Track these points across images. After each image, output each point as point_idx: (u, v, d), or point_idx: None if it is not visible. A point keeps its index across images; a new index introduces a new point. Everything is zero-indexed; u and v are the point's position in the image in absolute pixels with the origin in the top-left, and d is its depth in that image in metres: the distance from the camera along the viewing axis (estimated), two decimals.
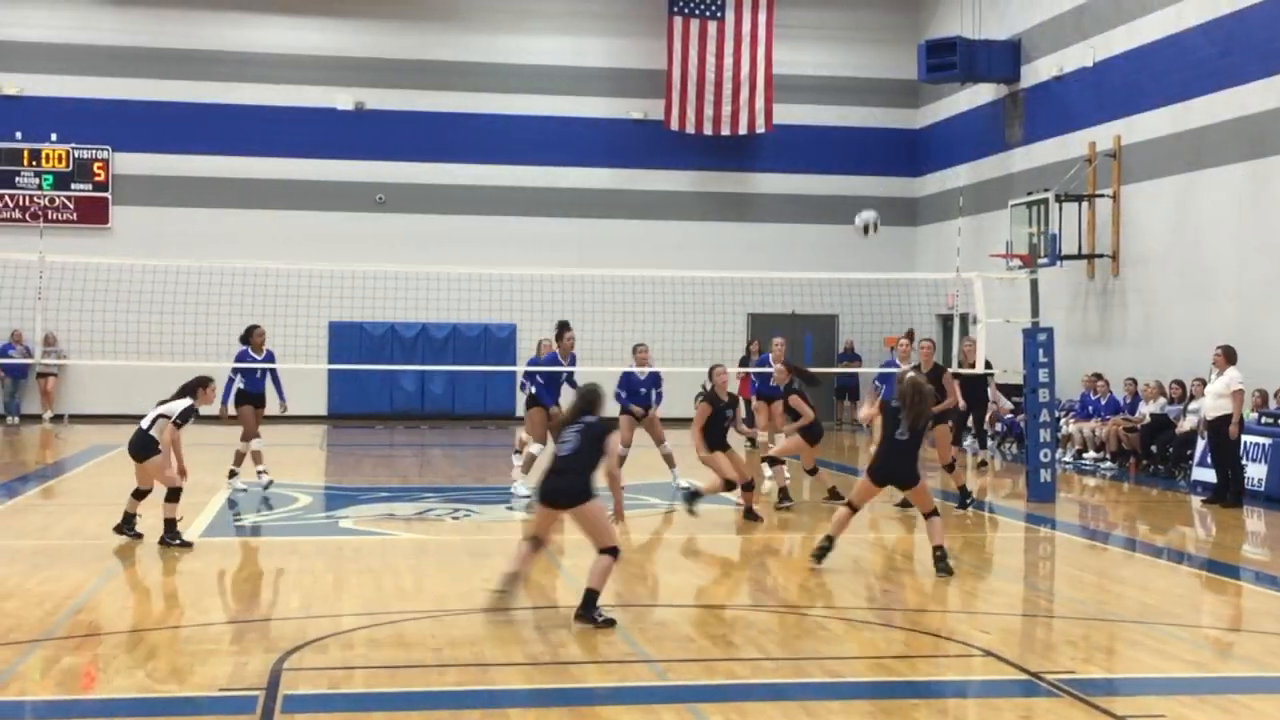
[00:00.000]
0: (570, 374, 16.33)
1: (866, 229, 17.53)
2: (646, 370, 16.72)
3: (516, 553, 9.87)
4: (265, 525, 14.30)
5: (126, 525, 12.65)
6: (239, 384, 16.38)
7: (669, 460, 16.65)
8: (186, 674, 8.04)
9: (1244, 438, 16.41)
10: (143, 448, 12.55)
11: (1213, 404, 16.37)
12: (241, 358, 16.57)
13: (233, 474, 16.34)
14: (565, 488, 9.50)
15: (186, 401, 12.68)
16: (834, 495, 15.44)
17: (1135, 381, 20.84)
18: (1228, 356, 16.33)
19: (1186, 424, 18.91)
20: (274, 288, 22.17)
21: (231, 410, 16.34)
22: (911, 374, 12.18)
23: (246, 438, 16.33)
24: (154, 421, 12.57)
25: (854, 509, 11.66)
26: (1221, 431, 16.16)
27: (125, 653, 8.54)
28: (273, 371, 16.61)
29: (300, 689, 7.77)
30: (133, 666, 8.20)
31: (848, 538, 12.34)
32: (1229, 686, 8.04)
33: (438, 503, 16.09)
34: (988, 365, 21.09)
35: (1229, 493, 16.17)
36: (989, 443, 23.66)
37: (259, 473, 16.34)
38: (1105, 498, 18.05)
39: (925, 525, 11.60)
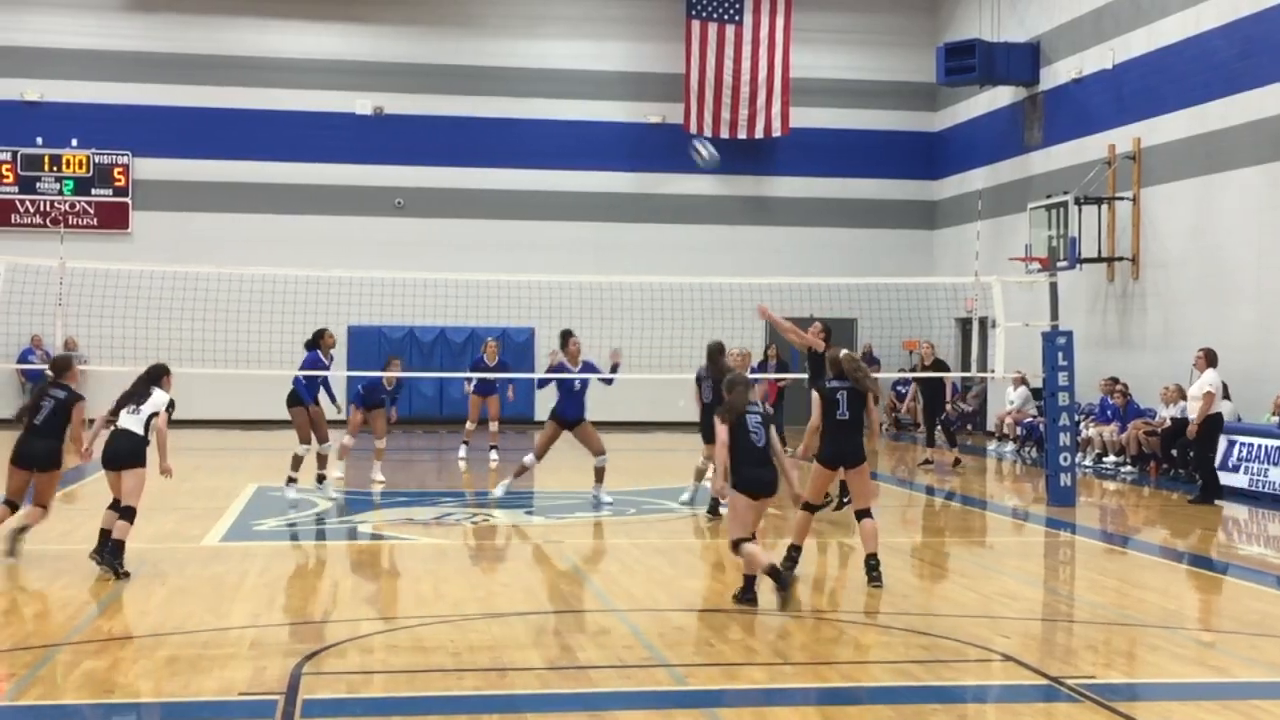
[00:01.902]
0: (584, 382, 16.24)
1: (701, 156, 18.01)
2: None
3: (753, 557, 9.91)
4: (284, 530, 14.32)
5: (114, 554, 11.16)
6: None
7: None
8: (206, 678, 8.05)
9: (1266, 442, 16.42)
10: (134, 454, 11.37)
11: (1192, 405, 16.78)
12: (313, 362, 16.54)
13: (292, 481, 16.08)
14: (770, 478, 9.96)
15: (165, 394, 11.70)
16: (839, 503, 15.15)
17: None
18: (1208, 359, 16.94)
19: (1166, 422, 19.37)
20: (293, 292, 22.23)
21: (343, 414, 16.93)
22: (845, 350, 12.03)
23: (308, 440, 16.17)
24: (147, 422, 11.47)
25: (812, 508, 11.26)
26: (1201, 431, 16.77)
27: (145, 657, 8.56)
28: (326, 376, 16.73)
29: (319, 694, 7.79)
30: (153, 671, 8.23)
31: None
32: (1252, 692, 8.00)
33: (456, 507, 16.10)
34: (944, 366, 21.23)
35: (1203, 491, 16.79)
36: (999, 444, 23.63)
37: (320, 476, 16.39)
38: (1125, 502, 17.98)
39: (858, 528, 11.13)
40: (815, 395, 11.38)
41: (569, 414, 15.97)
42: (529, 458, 15.91)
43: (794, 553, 11.20)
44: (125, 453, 11.38)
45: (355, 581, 11.38)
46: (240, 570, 11.81)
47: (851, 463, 11.12)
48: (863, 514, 11.07)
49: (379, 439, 18.08)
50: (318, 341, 16.82)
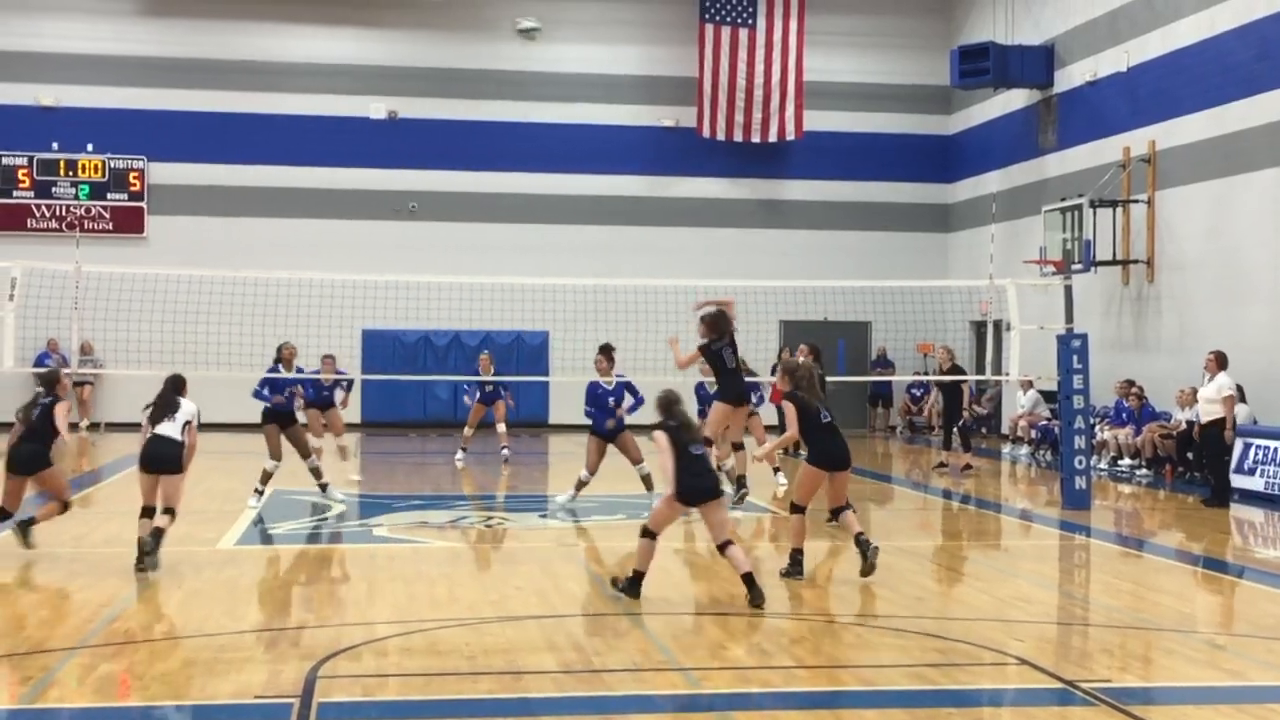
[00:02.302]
0: (619, 396, 16.24)
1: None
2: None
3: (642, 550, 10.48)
4: (299, 533, 14.34)
5: (155, 539, 11.60)
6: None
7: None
8: (222, 681, 8.07)
9: None
10: (176, 459, 11.76)
11: (1205, 408, 16.83)
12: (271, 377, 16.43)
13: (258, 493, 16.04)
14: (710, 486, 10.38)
15: (191, 404, 12.04)
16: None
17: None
18: (1219, 362, 16.89)
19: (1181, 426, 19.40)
20: (308, 296, 22.29)
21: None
22: (805, 359, 12.80)
23: (278, 456, 16.03)
24: (183, 428, 11.84)
25: (803, 510, 11.61)
26: (1211, 435, 16.77)
27: (161, 660, 8.59)
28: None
29: (334, 697, 7.80)
30: (168, 674, 8.25)
31: (880, 544, 12.28)
32: (1268, 696, 7.97)
33: (471, 511, 16.11)
34: (961, 370, 21.17)
35: (1215, 493, 16.75)
36: (1013, 447, 23.61)
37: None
38: (1141, 505, 17.94)
39: (841, 520, 11.71)
40: (790, 405, 11.60)
41: (604, 429, 16.03)
42: (584, 474, 15.94)
43: (797, 555, 11.52)
44: (171, 458, 11.74)
45: (370, 585, 11.39)
46: (256, 573, 11.84)
47: (842, 464, 11.58)
48: (843, 509, 11.64)
49: (338, 435, 18.21)
50: (278, 357, 16.44)
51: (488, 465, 20.84)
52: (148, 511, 11.82)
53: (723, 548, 10.37)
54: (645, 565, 10.47)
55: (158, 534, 11.65)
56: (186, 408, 12.00)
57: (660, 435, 10.35)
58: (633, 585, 10.46)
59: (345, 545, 13.70)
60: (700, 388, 17.62)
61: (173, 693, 7.89)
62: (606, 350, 16.63)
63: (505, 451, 20.70)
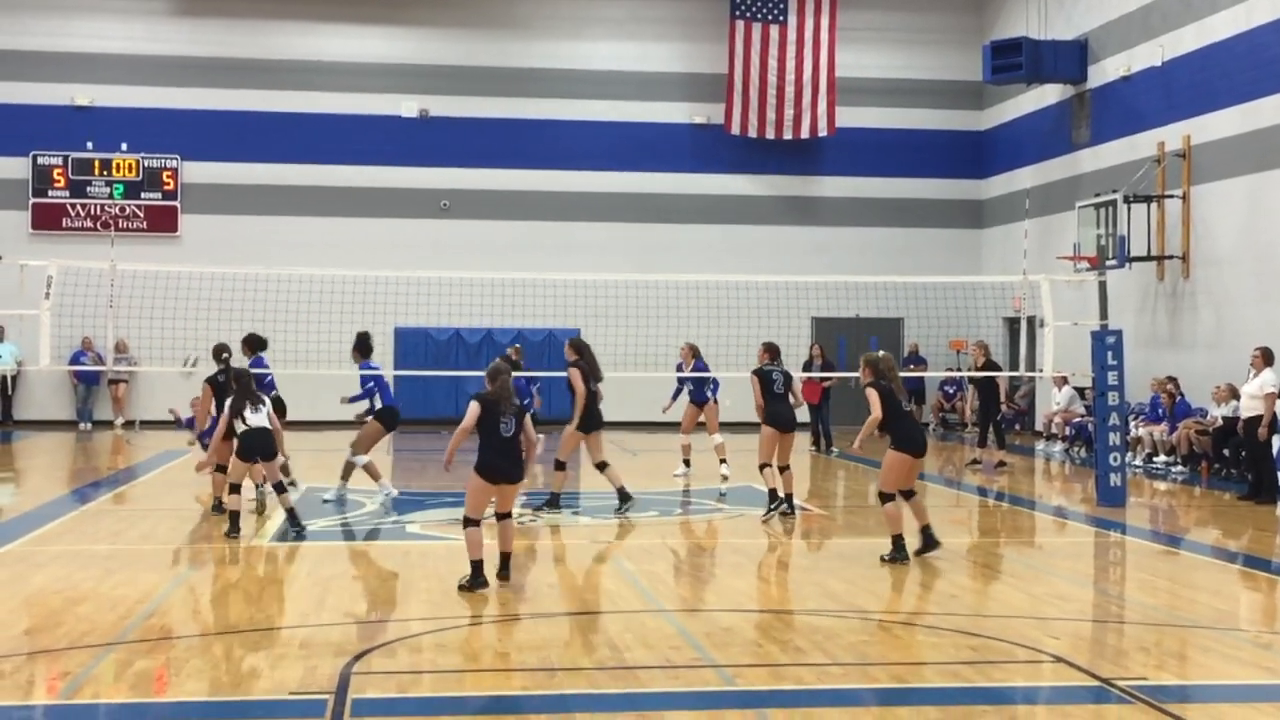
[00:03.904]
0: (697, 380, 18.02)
1: None
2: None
3: None
4: (333, 530, 14.40)
5: (234, 524, 13.37)
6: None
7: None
8: (257, 677, 8.11)
9: None
10: (271, 447, 13.62)
11: (1247, 404, 16.80)
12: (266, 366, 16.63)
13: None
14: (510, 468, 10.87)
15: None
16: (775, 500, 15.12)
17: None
18: (1265, 358, 16.78)
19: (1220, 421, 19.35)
20: (340, 294, 22.38)
21: None
22: (884, 353, 13.22)
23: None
24: (268, 415, 13.62)
25: (911, 494, 12.44)
26: (1253, 431, 16.62)
27: (197, 656, 8.63)
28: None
29: (369, 693, 7.83)
30: (204, 670, 8.30)
31: (914, 542, 12.26)
32: None
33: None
34: (996, 366, 20.97)
35: (1262, 490, 16.56)
36: (1047, 444, 23.50)
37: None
38: (1176, 502, 17.82)
39: (910, 506, 12.37)
40: (874, 393, 12.31)
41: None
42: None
43: (928, 531, 12.29)
44: (271, 447, 13.60)
45: (404, 581, 11.43)
46: (290, 570, 11.89)
47: (924, 450, 12.45)
48: (910, 494, 12.49)
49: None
50: (264, 345, 16.51)
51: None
52: (236, 488, 13.58)
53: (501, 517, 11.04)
54: (477, 554, 10.77)
55: (292, 515, 13.56)
56: (264, 399, 13.77)
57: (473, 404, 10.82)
58: (474, 578, 10.73)
59: (379, 542, 13.74)
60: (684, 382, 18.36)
61: (208, 689, 7.93)
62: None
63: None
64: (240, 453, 13.54)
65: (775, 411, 14.83)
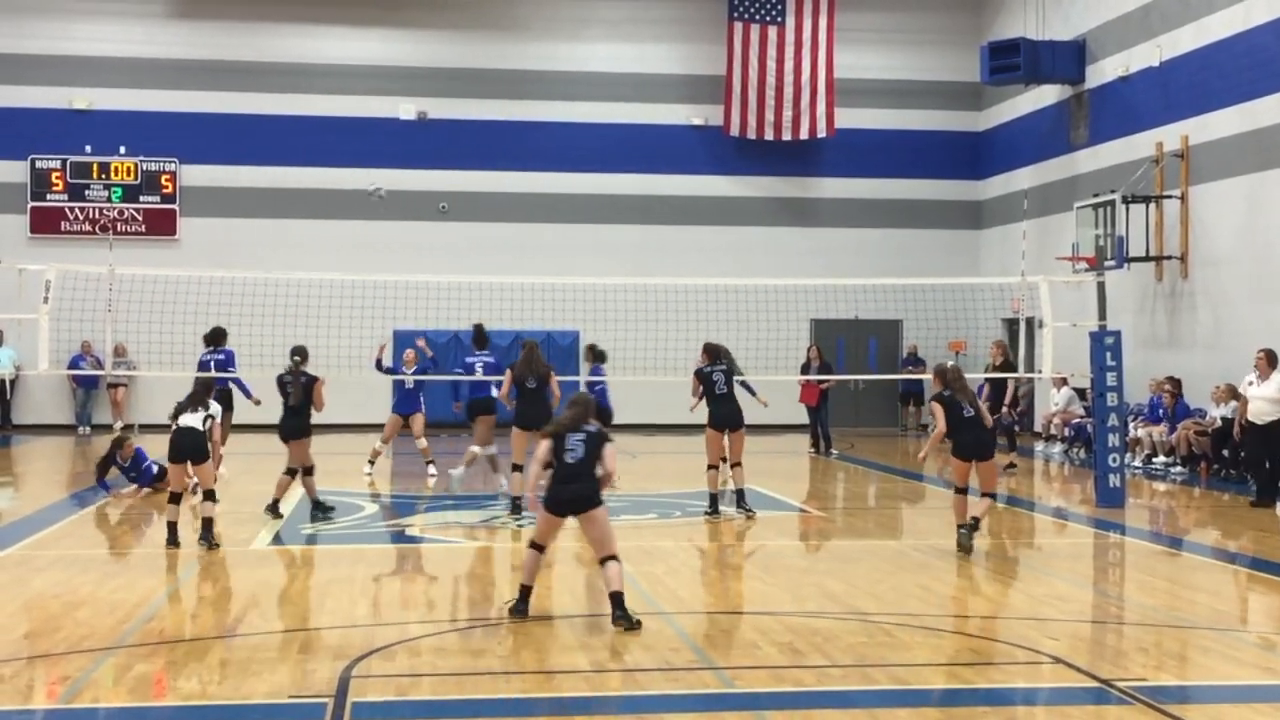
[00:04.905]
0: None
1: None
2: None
3: (527, 562, 9.94)
4: (332, 533, 14.39)
5: (174, 535, 12.76)
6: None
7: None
8: (256, 681, 8.10)
9: None
10: (200, 449, 12.89)
11: (1267, 409, 16.33)
12: (231, 359, 17.58)
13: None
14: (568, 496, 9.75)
15: (216, 405, 13.52)
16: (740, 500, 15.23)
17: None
18: (1270, 360, 16.38)
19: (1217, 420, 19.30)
20: (339, 297, 22.39)
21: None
22: (953, 363, 13.68)
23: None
24: (205, 420, 13.01)
25: (963, 490, 12.86)
26: (1271, 435, 16.38)
27: (196, 660, 8.63)
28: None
29: (368, 696, 7.82)
30: (203, 674, 8.29)
31: (913, 543, 12.27)
32: None
33: (502, 511, 16.12)
34: (1012, 368, 20.90)
35: (1274, 490, 16.38)
36: (1046, 445, 23.50)
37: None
38: (1175, 502, 17.82)
39: (980, 502, 12.73)
40: (937, 405, 12.74)
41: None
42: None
43: (975, 522, 12.66)
44: (193, 448, 12.93)
45: (402, 584, 11.42)
46: (289, 574, 11.88)
47: (984, 454, 12.83)
48: (988, 495, 12.90)
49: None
50: (223, 339, 17.79)
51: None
52: (175, 497, 12.93)
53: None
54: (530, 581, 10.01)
55: (207, 524, 12.80)
56: (212, 407, 13.25)
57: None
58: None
59: (377, 545, 13.74)
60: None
61: (207, 693, 7.92)
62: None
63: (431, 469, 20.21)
64: (170, 454, 13.05)
65: (716, 412, 15.01)
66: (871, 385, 28.97)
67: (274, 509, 14.71)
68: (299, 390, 14.76)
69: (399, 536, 14.24)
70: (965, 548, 12.47)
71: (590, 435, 9.79)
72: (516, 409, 15.05)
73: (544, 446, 9.84)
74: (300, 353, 15.16)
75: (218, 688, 8.01)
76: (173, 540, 12.71)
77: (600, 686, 8.04)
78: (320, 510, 14.83)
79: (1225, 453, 19.27)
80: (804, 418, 24.00)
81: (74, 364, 25.95)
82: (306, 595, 10.96)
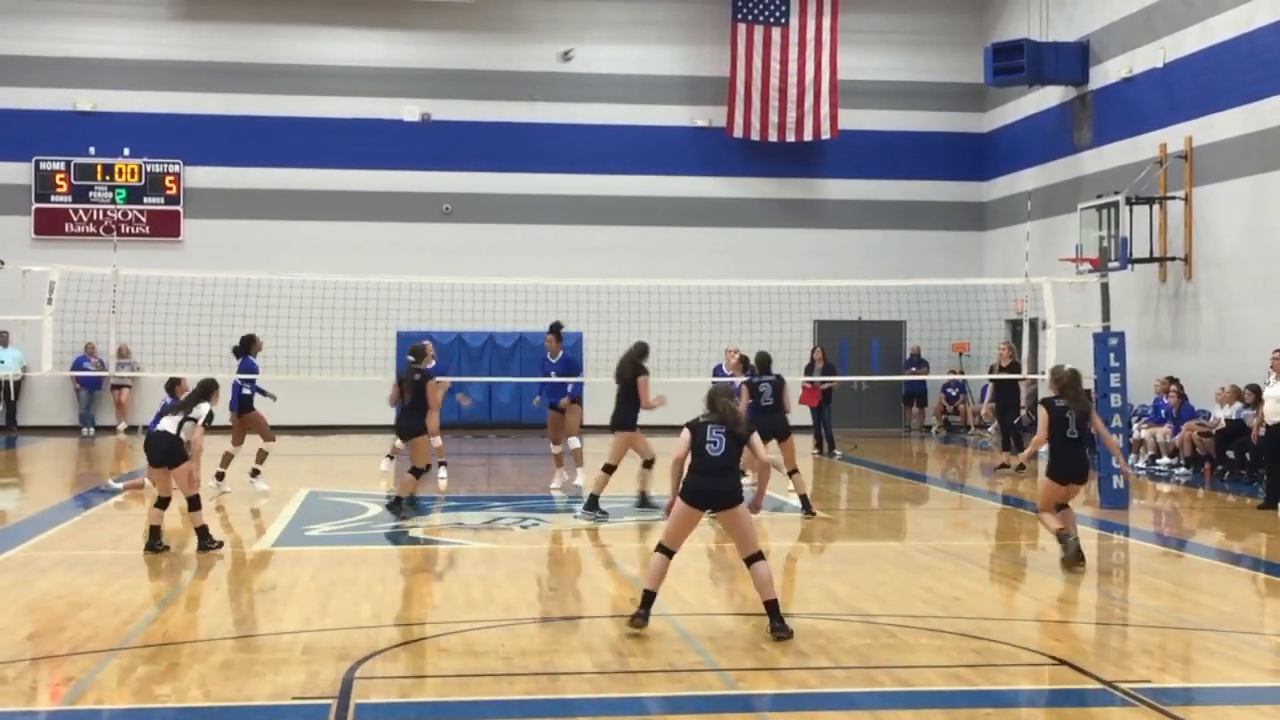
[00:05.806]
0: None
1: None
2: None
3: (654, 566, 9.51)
4: (336, 535, 14.40)
5: (155, 540, 12.56)
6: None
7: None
8: (259, 683, 8.11)
9: None
10: (171, 453, 12.67)
11: (1277, 409, 16.24)
12: (250, 368, 17.29)
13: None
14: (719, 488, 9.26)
15: (207, 406, 12.96)
16: (805, 504, 15.32)
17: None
18: None
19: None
20: (343, 298, 22.39)
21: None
22: (1071, 366, 13.04)
23: (272, 437, 17.46)
24: (180, 425, 12.70)
25: (1062, 506, 12.35)
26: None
27: (200, 661, 8.63)
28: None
29: (372, 698, 7.83)
30: (207, 675, 8.29)
31: (917, 545, 12.26)
32: None
33: (506, 512, 16.13)
34: (1018, 368, 20.85)
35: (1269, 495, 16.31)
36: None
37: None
38: (1180, 504, 17.80)
39: (1063, 513, 12.25)
40: (1043, 411, 12.46)
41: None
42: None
43: (1066, 534, 12.10)
44: (164, 453, 12.67)
45: (407, 586, 11.43)
46: (293, 575, 11.88)
47: (1080, 479, 12.33)
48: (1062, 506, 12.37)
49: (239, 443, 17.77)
50: (249, 348, 17.40)
51: (520, 466, 20.85)
52: (162, 502, 12.74)
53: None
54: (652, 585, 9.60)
55: (200, 533, 12.67)
56: (199, 409, 12.88)
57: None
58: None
59: (381, 547, 13.74)
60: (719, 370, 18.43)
61: (210, 695, 7.93)
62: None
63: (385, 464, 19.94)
64: (147, 459, 13.07)
65: (758, 422, 14.71)
66: (875, 386, 28.96)
67: (396, 506, 15.16)
68: (412, 388, 15.16)
69: (403, 538, 14.23)
70: (1077, 555, 11.97)
71: (730, 430, 9.33)
72: (614, 410, 15.46)
73: (684, 437, 9.40)
74: (415, 352, 15.57)
75: (221, 689, 8.01)
76: (152, 544, 12.49)
77: (604, 688, 8.04)
78: (405, 506, 15.18)
79: (1230, 454, 19.24)
80: (808, 419, 24.00)
81: (78, 365, 25.96)
82: (310, 596, 10.96)
